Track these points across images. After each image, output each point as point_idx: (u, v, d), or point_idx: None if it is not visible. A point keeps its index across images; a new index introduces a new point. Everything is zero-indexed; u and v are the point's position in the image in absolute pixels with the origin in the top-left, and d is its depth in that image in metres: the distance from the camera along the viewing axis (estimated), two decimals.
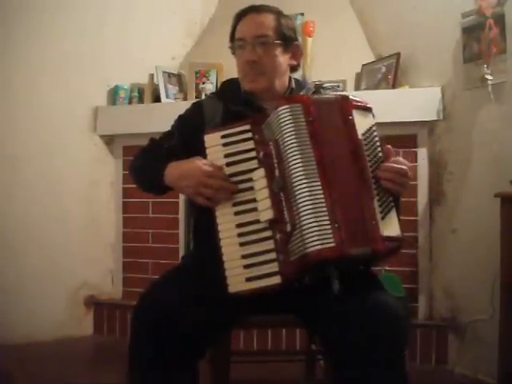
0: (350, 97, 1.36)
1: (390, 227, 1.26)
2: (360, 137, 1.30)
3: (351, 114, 1.31)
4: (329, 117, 1.30)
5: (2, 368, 2.42)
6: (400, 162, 1.32)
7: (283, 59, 1.54)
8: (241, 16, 1.55)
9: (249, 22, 1.53)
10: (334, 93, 1.31)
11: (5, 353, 2.58)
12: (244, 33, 1.52)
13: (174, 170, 1.41)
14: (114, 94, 3.25)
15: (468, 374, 2.42)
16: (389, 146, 1.34)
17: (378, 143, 1.32)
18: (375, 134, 1.33)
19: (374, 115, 1.37)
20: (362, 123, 1.32)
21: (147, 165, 1.53)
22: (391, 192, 1.29)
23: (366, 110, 1.36)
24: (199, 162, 1.35)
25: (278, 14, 1.56)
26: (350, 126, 1.30)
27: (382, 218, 1.25)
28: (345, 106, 1.32)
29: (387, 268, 2.59)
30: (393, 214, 1.28)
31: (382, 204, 1.27)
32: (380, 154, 1.32)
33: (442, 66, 2.64)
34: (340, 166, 1.27)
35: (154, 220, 3.16)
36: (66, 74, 3.03)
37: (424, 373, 2.50)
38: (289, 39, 1.54)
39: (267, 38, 1.50)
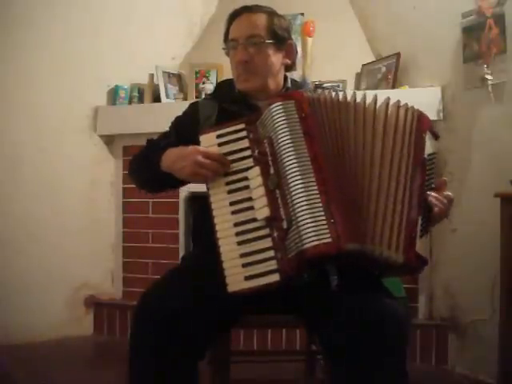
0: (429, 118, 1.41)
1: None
2: (425, 156, 1.34)
3: (426, 133, 1.36)
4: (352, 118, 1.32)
5: (2, 368, 2.42)
6: (450, 200, 1.37)
7: (276, 59, 1.53)
8: (234, 16, 1.56)
9: (241, 22, 1.53)
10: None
11: (5, 353, 2.58)
12: (236, 33, 1.52)
13: (171, 154, 1.42)
14: (114, 94, 3.25)
15: (468, 374, 2.42)
16: (445, 179, 1.40)
17: (434, 170, 1.38)
18: (435, 161, 1.39)
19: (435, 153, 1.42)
20: (429, 146, 1.37)
21: (143, 160, 1.54)
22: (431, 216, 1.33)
23: (436, 137, 1.41)
24: (194, 146, 1.36)
25: (271, 13, 1.55)
26: (421, 143, 1.34)
27: (420, 237, 1.28)
28: (423, 122, 1.36)
29: None
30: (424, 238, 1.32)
31: (422, 224, 1.30)
32: (433, 181, 1.37)
33: (442, 66, 2.64)
34: (356, 165, 1.28)
35: (154, 220, 3.16)
36: (65, 73, 3.03)
37: (424, 373, 2.50)
38: (281, 38, 1.54)
39: (259, 37, 1.50)
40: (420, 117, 1.37)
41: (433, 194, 1.35)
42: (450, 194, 1.38)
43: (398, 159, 1.30)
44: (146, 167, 1.52)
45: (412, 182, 1.29)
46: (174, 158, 1.40)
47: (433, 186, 1.37)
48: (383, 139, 1.31)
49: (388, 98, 1.36)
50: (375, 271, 1.38)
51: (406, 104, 1.37)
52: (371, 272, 1.38)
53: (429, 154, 1.36)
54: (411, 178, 1.29)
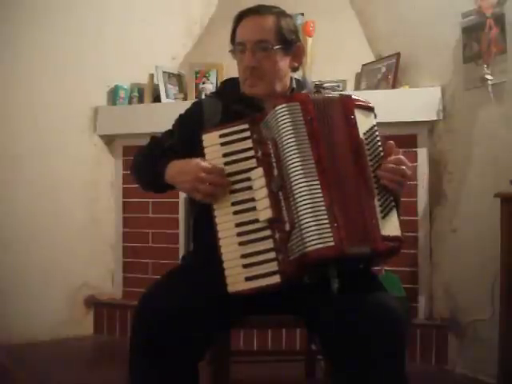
0: (353, 96, 1.36)
1: (391, 227, 1.26)
2: (361, 136, 1.30)
3: (353, 114, 1.31)
4: (329, 116, 1.30)
5: (2, 368, 2.42)
6: (401, 162, 1.31)
7: (284, 63, 1.51)
8: (241, 18, 1.52)
9: (249, 25, 1.50)
10: (336, 92, 1.30)
11: (5, 353, 2.58)
12: (244, 37, 1.50)
13: (174, 167, 1.42)
14: (114, 94, 3.25)
15: (468, 373, 2.42)
16: (391, 142, 1.33)
17: (379, 143, 1.33)
18: (376, 133, 1.33)
19: (375, 115, 1.37)
20: (363, 123, 1.32)
21: (148, 164, 1.53)
22: (391, 191, 1.29)
23: (368, 109, 1.36)
24: (198, 160, 1.35)
25: (279, 14, 1.52)
26: (352, 125, 1.30)
27: (383, 218, 1.25)
28: (346, 105, 1.32)
29: (387, 268, 2.59)
30: (393, 214, 1.29)
31: (382, 203, 1.27)
32: (381, 154, 1.32)
33: (442, 65, 2.64)
34: (340, 165, 1.27)
35: (154, 220, 3.16)
36: (66, 73, 3.03)
37: (424, 373, 2.50)
38: (290, 42, 1.51)
39: (267, 43, 1.47)
40: (345, 99, 1.34)
41: (381, 169, 1.29)
42: (398, 157, 1.31)
43: (341, 150, 1.28)
44: (149, 174, 1.51)
45: (359, 168, 1.27)
46: (176, 172, 1.40)
47: (382, 158, 1.31)
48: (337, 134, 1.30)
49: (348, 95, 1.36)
50: (358, 266, 1.37)
51: (334, 94, 1.36)
52: (367, 270, 1.38)
53: (365, 132, 1.31)
54: (354, 164, 1.27)
